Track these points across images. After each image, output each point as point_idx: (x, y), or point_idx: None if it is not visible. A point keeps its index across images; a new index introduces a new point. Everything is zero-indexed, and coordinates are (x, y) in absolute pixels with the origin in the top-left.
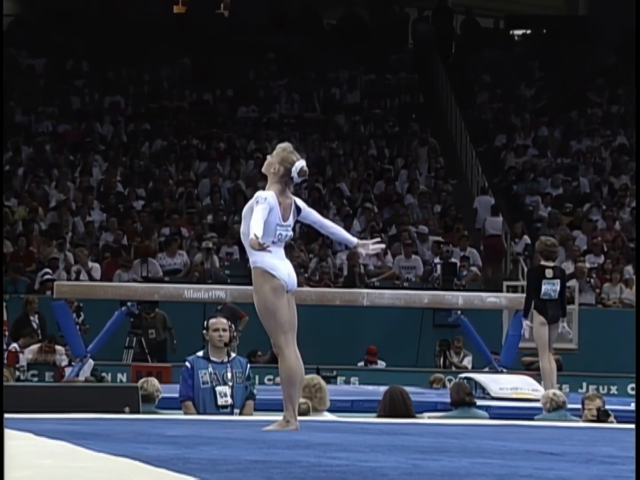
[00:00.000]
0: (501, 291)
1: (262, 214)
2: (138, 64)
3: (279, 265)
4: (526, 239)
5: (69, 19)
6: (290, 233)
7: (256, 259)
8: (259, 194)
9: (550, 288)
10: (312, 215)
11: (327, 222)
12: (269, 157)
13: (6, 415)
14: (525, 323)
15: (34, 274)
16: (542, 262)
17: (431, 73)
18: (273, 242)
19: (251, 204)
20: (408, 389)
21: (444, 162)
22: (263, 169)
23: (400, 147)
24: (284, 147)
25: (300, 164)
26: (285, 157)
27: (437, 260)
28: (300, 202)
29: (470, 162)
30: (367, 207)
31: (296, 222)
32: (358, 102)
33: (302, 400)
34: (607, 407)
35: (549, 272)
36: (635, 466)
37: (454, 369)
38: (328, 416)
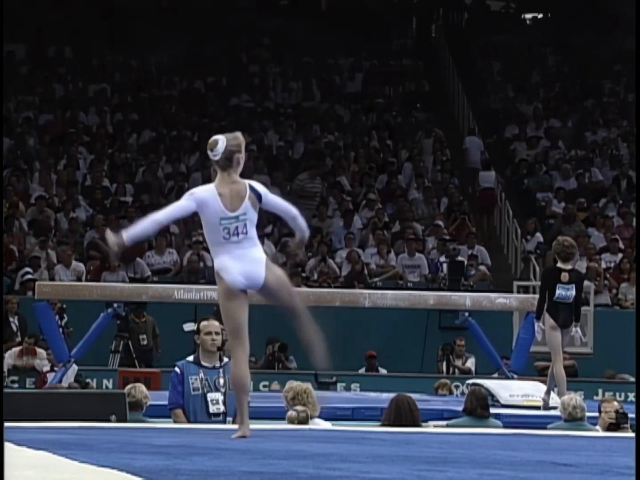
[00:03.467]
0: (511, 292)
1: (166, 211)
2: (124, 49)
3: (228, 265)
4: (538, 236)
5: (50, 1)
6: (248, 222)
7: (214, 258)
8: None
9: (564, 293)
10: (275, 202)
11: (293, 213)
12: None
13: None
14: (538, 325)
15: (14, 273)
16: (559, 264)
17: (437, 59)
18: (224, 239)
19: None
20: (412, 395)
21: (450, 155)
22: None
23: (404, 138)
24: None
25: (217, 139)
26: (211, 143)
27: (442, 258)
28: (259, 187)
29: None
30: (371, 198)
31: (262, 210)
32: (359, 91)
33: (300, 408)
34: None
35: (564, 276)
36: (635, 466)
37: (457, 373)
38: (321, 424)
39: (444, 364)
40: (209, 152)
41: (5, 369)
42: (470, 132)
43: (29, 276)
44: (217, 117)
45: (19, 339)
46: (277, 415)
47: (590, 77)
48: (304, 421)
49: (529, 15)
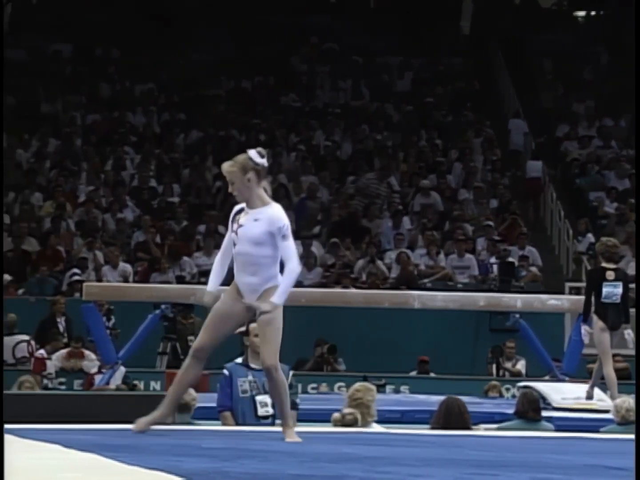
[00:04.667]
0: (563, 293)
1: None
2: (171, 49)
3: None
4: (590, 237)
5: (96, 1)
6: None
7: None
8: (281, 216)
9: (611, 291)
10: None
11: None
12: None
13: (33, 426)
14: (584, 328)
15: (61, 274)
16: (604, 264)
17: (487, 58)
18: None
19: (270, 229)
20: (462, 398)
21: (500, 154)
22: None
23: (454, 137)
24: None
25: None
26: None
27: (493, 259)
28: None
29: (529, 154)
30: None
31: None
32: (409, 90)
33: (348, 410)
34: None
35: (610, 274)
36: (635, 466)
37: (507, 376)
38: (376, 427)
39: (494, 366)
40: (262, 159)
41: (52, 370)
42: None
43: (77, 277)
44: (264, 116)
45: (65, 340)
46: (325, 417)
47: None
48: (351, 424)
49: (581, 13)
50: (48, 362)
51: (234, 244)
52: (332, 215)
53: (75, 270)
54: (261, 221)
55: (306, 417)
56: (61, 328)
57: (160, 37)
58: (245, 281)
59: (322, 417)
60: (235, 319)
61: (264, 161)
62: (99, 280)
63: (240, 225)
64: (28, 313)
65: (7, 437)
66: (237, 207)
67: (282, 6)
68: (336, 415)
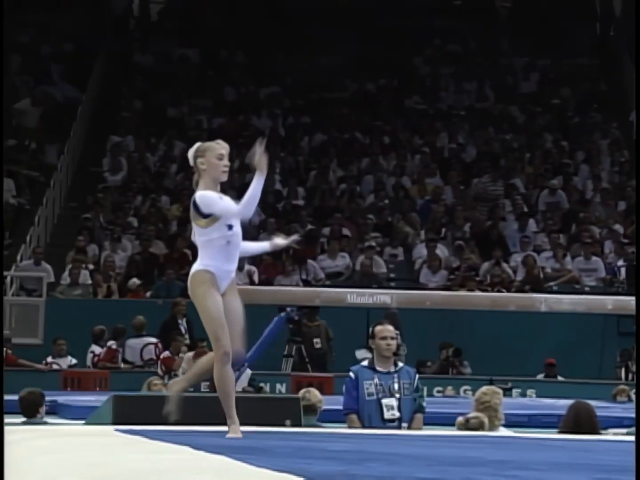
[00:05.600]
0: None
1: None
2: (295, 52)
3: None
4: None
5: (222, 6)
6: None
7: None
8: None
9: None
10: None
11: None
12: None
13: (162, 428)
14: None
15: (187, 277)
16: None
17: (614, 58)
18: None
19: None
20: (590, 402)
21: (628, 156)
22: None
23: (581, 139)
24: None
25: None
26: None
27: (620, 262)
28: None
29: None
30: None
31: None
32: (534, 91)
33: (473, 414)
34: None
35: None
36: (635, 466)
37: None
38: (503, 431)
39: (623, 370)
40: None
41: (180, 372)
42: None
43: None
44: (388, 119)
45: (187, 341)
46: (451, 421)
47: None
48: (475, 428)
49: None
50: (175, 361)
51: (230, 226)
52: (456, 218)
53: None
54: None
55: (432, 421)
56: (182, 329)
57: (285, 41)
58: (232, 269)
59: (449, 420)
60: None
61: None
62: None
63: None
64: (156, 315)
65: (136, 439)
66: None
67: (405, 8)
68: (460, 419)
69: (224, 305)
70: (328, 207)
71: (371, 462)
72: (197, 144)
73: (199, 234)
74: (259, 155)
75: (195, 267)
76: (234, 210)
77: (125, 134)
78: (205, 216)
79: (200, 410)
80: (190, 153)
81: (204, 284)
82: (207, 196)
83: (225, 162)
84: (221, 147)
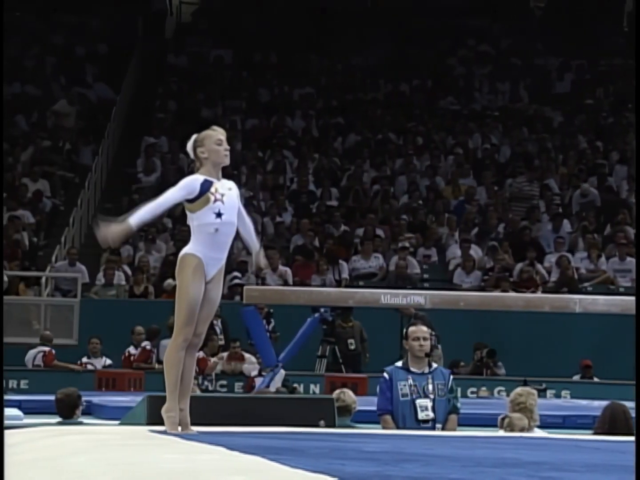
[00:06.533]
0: None
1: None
2: (329, 53)
3: None
4: None
5: (255, 7)
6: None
7: None
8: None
9: None
10: None
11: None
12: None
13: (196, 428)
14: None
15: None
16: None
17: None
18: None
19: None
20: (626, 404)
21: None
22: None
23: (615, 139)
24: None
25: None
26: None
27: None
28: None
29: None
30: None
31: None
32: (568, 91)
33: (517, 415)
34: None
35: None
36: (635, 466)
37: None
38: (539, 432)
39: None
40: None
41: (212, 373)
42: None
43: (237, 280)
44: (422, 120)
45: (222, 342)
46: (486, 421)
47: None
48: (513, 428)
49: None
50: (209, 364)
51: (219, 214)
52: (490, 218)
53: (236, 273)
54: (234, 190)
55: (467, 422)
56: (217, 330)
57: (318, 42)
58: (220, 257)
59: (483, 421)
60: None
61: None
62: (261, 283)
63: (222, 194)
64: None
65: (171, 439)
66: (198, 179)
67: (439, 9)
68: (499, 419)
69: (205, 292)
70: (361, 208)
71: (406, 463)
72: (194, 135)
73: (190, 218)
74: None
75: (185, 249)
76: (159, 198)
77: (160, 135)
78: (190, 200)
79: (233, 411)
80: (189, 145)
81: (189, 267)
82: (184, 180)
83: (225, 146)
84: (218, 132)
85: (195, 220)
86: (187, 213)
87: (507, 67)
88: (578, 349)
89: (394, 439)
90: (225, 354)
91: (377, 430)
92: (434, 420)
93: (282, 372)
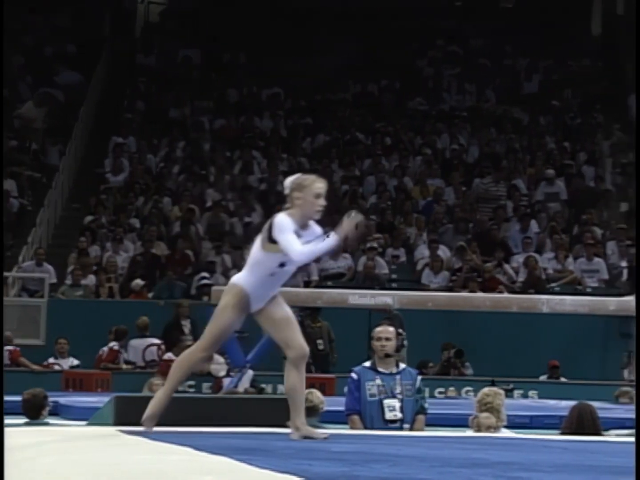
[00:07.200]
0: None
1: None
2: (298, 53)
3: None
4: None
5: (224, 7)
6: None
7: None
8: None
9: None
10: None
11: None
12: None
13: (163, 429)
14: None
15: (190, 278)
16: None
17: (617, 59)
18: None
19: None
20: (593, 404)
21: (632, 157)
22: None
23: (583, 140)
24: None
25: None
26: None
27: (623, 263)
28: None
29: None
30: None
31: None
32: (536, 92)
33: (484, 414)
34: None
35: None
36: (635, 466)
37: None
38: (506, 432)
39: (627, 371)
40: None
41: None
42: None
43: (205, 281)
44: (390, 120)
45: (190, 342)
46: (454, 422)
47: None
48: (480, 427)
49: None
50: None
51: (282, 264)
52: (457, 219)
53: (204, 274)
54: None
55: (435, 422)
56: (186, 330)
57: (287, 42)
58: (266, 295)
59: (451, 421)
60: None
61: None
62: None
63: None
64: (157, 316)
65: (138, 439)
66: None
67: (408, 9)
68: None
69: (268, 316)
70: (330, 208)
71: (374, 464)
72: (297, 175)
73: (254, 252)
74: (348, 226)
75: (237, 277)
76: (294, 248)
77: (128, 135)
78: (272, 241)
79: (200, 412)
80: (288, 182)
81: (235, 297)
82: (284, 222)
83: (322, 201)
84: (321, 186)
85: (259, 255)
86: (256, 247)
87: (475, 67)
88: (545, 350)
89: (362, 440)
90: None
91: (345, 430)
92: (401, 421)
93: (250, 372)
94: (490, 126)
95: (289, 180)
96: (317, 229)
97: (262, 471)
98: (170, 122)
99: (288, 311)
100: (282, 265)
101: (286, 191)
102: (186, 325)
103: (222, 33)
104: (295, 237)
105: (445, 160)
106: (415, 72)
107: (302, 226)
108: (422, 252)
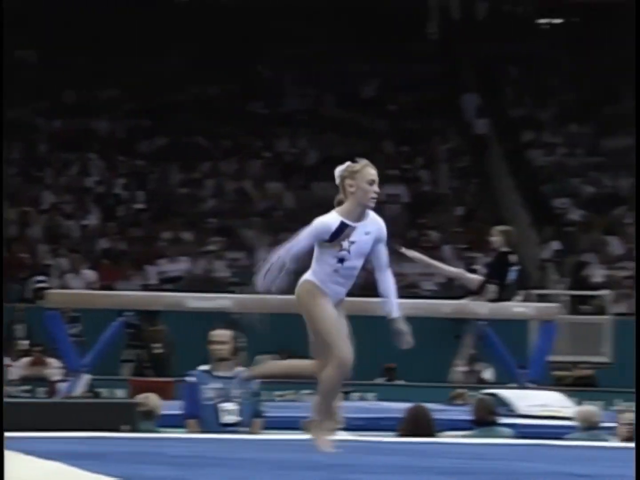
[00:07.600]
0: (529, 300)
1: None
2: (136, 54)
3: None
4: (555, 244)
5: (60, 7)
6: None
7: None
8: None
9: None
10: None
11: None
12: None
13: None
14: None
15: (25, 281)
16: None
17: (454, 64)
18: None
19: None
20: (427, 405)
21: (469, 161)
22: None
23: (421, 145)
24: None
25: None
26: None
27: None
28: None
29: (495, 162)
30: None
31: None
32: (375, 97)
33: None
34: None
35: None
36: (635, 467)
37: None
38: (341, 435)
39: (464, 374)
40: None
41: (16, 377)
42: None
43: (42, 284)
44: (230, 123)
45: (26, 347)
46: (292, 424)
47: (609, 82)
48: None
49: (547, 21)
50: (11, 370)
51: (341, 260)
52: (297, 221)
53: (41, 277)
54: (372, 234)
55: (272, 425)
56: (21, 335)
57: (125, 43)
58: (338, 291)
59: (289, 424)
60: None
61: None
62: (63, 287)
63: (352, 242)
64: None
65: None
66: (332, 224)
67: (246, 10)
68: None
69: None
70: (169, 211)
71: (209, 467)
72: (347, 164)
73: (316, 247)
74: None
75: (303, 277)
76: (290, 245)
77: None
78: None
79: (35, 416)
80: (338, 171)
81: (308, 293)
82: (315, 224)
83: (376, 188)
84: (373, 172)
85: (318, 251)
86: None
87: (314, 71)
88: (382, 352)
89: (197, 443)
90: (28, 359)
91: (181, 434)
92: (239, 424)
93: (87, 376)
94: (329, 130)
95: (339, 169)
96: (376, 220)
97: (94, 476)
98: (6, 123)
99: (345, 323)
100: (341, 261)
101: (336, 181)
102: (21, 330)
103: (59, 33)
104: (305, 240)
105: (285, 163)
106: (255, 75)
107: (358, 217)
108: (263, 255)
